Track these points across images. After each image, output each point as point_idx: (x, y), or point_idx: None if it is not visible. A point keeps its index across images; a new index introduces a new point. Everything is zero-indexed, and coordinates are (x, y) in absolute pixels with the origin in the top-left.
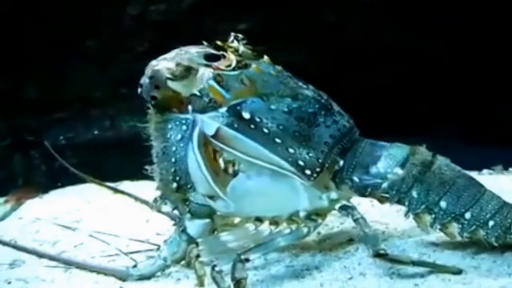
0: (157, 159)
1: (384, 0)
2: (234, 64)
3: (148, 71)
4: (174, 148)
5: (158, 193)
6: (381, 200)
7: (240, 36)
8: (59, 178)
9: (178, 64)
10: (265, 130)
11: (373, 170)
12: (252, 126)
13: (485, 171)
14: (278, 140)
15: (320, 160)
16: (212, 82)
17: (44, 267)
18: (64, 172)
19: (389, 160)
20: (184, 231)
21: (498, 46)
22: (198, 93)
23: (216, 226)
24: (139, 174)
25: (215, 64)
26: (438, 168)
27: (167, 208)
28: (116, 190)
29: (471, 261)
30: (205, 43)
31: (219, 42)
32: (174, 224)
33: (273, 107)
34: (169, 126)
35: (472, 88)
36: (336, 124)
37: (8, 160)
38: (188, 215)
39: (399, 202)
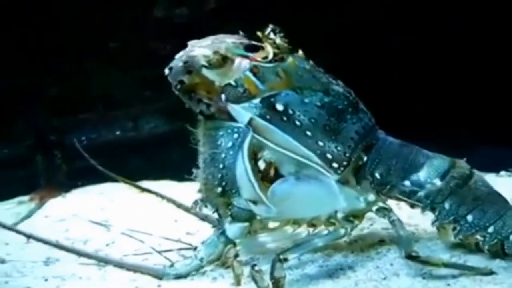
0: (204, 164)
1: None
2: (271, 56)
3: (181, 55)
4: (223, 155)
5: (198, 195)
6: (412, 206)
7: (277, 28)
8: (80, 177)
9: (215, 52)
10: (297, 123)
11: (414, 177)
12: (285, 118)
13: (503, 172)
14: (308, 133)
15: (347, 155)
16: (248, 73)
17: (78, 265)
18: (84, 171)
19: (431, 170)
20: (223, 233)
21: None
22: (233, 83)
23: (253, 229)
24: (160, 174)
25: (252, 55)
26: (474, 183)
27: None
28: (144, 190)
29: (500, 262)
30: (241, 32)
31: (259, 33)
32: (213, 227)
33: (306, 100)
34: (221, 133)
35: (487, 88)
36: (361, 121)
37: (31, 159)
38: (229, 219)
39: (430, 210)
